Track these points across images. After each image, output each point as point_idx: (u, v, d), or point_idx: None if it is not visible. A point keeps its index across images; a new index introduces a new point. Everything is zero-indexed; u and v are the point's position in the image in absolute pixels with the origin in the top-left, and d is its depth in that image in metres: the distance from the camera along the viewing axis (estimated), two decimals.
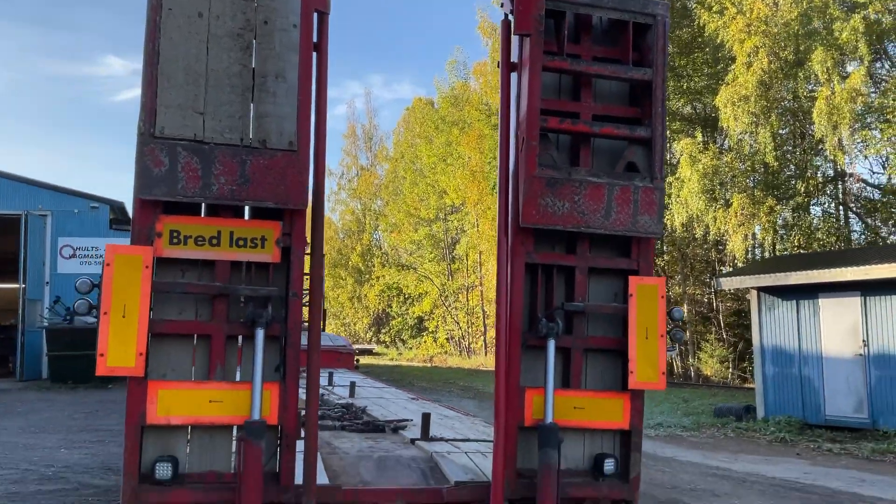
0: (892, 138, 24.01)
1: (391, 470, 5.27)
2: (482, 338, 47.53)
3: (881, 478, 11.56)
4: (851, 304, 15.79)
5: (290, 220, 4.70)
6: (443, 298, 50.76)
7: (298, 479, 4.56)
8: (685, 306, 34.00)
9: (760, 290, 17.66)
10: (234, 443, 4.63)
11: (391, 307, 58.00)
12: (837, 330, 16.04)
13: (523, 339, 4.94)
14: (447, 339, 50.43)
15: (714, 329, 32.72)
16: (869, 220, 28.57)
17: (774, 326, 17.33)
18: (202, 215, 4.66)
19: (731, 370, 31.23)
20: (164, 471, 4.40)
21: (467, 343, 49.31)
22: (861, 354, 15.55)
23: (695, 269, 34.28)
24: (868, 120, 24.97)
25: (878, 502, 9.89)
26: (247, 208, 4.71)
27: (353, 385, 9.56)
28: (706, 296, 34.11)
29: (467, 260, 49.69)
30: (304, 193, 4.59)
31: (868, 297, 15.51)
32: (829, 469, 12.20)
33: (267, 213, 4.71)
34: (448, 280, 50.84)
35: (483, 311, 47.05)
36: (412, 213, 51.97)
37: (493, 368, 4.93)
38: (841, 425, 15.73)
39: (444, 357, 48.16)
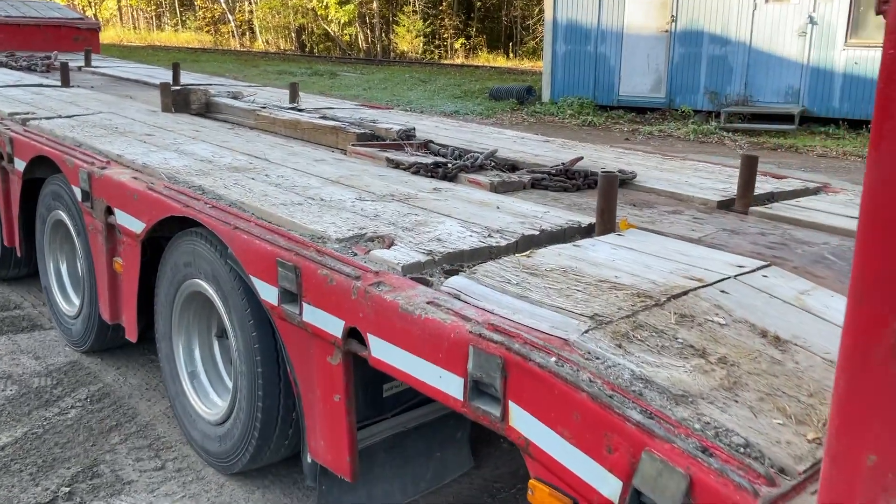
0: None
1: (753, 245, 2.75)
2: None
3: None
4: None
5: None
6: None
7: None
8: None
9: None
10: None
11: None
12: (645, 2, 15.12)
13: None
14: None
15: (410, 1, 30.64)
16: None
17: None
18: None
19: (424, 45, 30.03)
20: None
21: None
22: (667, 30, 14.96)
23: None
24: None
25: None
26: None
27: (294, 89, 5.91)
28: None
29: None
30: None
31: None
32: (670, 153, 11.70)
33: None
34: None
35: None
36: None
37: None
38: (635, 105, 15.49)
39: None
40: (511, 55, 29.06)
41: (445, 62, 28.14)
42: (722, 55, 14.50)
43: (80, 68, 8.29)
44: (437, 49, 29.95)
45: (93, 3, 42.28)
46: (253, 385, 2.86)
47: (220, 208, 2.97)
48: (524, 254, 2.54)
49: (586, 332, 1.97)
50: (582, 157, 4.12)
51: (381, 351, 2.25)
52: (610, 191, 2.77)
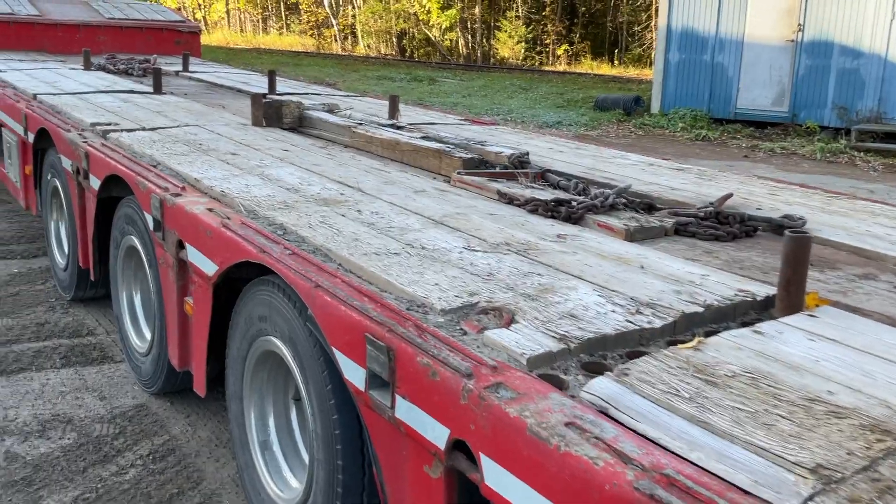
0: None
1: None
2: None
3: (877, 185, 10.24)
4: None
5: None
6: None
7: None
8: None
9: None
10: None
11: None
12: (769, 10, 14.05)
13: None
14: None
15: (513, 5, 30.02)
16: None
17: (689, 4, 14.93)
18: None
19: (526, 51, 29.35)
20: None
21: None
22: (793, 40, 13.85)
23: None
24: None
25: None
26: None
27: (394, 102, 5.42)
28: None
29: None
30: None
31: None
32: (816, 176, 10.63)
33: None
34: None
35: None
36: None
37: None
38: (753, 119, 14.43)
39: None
40: (616, 62, 28.07)
41: (547, 69, 27.39)
42: (853, 68, 13.30)
43: (177, 73, 8.06)
44: (538, 55, 29.23)
45: (202, 6, 43.48)
46: (331, 478, 2.33)
47: (300, 256, 2.45)
48: (690, 344, 1.90)
49: (811, 499, 1.32)
50: (731, 195, 3.44)
51: (499, 480, 1.66)
52: (800, 258, 2.10)
